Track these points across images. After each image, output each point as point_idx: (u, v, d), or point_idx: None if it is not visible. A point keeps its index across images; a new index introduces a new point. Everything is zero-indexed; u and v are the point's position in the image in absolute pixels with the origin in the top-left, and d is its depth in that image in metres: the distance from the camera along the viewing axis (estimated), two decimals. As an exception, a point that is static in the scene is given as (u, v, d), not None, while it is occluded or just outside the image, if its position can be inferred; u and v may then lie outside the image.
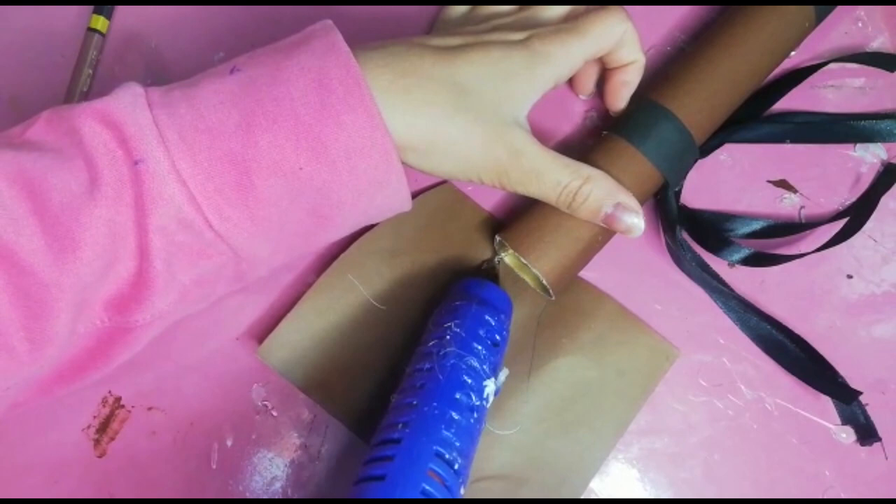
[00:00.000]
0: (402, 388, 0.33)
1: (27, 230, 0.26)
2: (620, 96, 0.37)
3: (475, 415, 0.32)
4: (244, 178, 0.27)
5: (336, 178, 0.28)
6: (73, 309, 0.27)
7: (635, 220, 0.33)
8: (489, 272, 0.38)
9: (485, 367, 0.33)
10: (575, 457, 0.37)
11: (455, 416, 0.31)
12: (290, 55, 0.28)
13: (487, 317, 0.34)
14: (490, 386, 0.33)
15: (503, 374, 0.35)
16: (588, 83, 0.39)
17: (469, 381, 0.32)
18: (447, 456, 0.30)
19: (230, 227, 0.28)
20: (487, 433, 0.37)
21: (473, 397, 0.32)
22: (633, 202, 0.33)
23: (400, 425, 0.31)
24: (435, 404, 0.31)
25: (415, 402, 0.31)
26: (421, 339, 0.35)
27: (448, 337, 0.33)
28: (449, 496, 0.30)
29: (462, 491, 0.31)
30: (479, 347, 0.33)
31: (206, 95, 0.28)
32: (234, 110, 0.27)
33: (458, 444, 0.31)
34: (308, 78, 0.28)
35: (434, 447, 0.30)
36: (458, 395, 0.31)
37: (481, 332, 0.33)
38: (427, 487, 0.29)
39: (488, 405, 0.33)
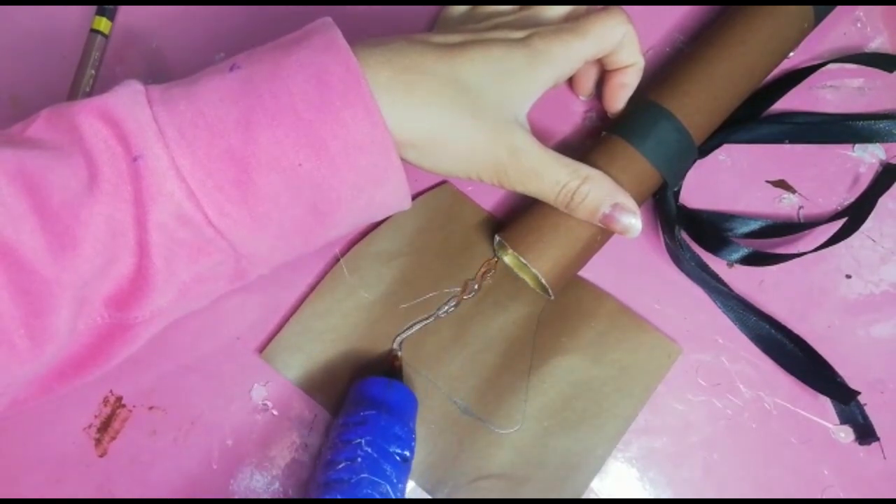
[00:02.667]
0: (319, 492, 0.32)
1: (27, 227, 0.26)
2: (619, 98, 0.37)
3: None
4: (243, 175, 0.27)
5: (335, 175, 0.28)
6: (73, 305, 0.27)
7: (632, 221, 0.33)
8: (391, 363, 0.38)
9: (399, 486, 0.33)
10: (576, 456, 0.37)
11: None
12: (290, 52, 0.29)
13: (397, 429, 0.33)
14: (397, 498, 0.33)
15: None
16: (587, 84, 0.39)
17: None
18: None
19: (230, 224, 0.28)
20: (488, 432, 0.37)
21: None
22: (630, 203, 0.33)
23: None
24: None
25: None
26: (328, 455, 0.34)
27: (359, 459, 0.32)
28: None
29: None
30: (390, 470, 0.33)
31: (206, 92, 0.28)
32: (233, 107, 0.27)
33: None
34: (307, 74, 0.28)
35: None
36: None
37: (393, 449, 0.33)
38: None
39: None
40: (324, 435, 0.37)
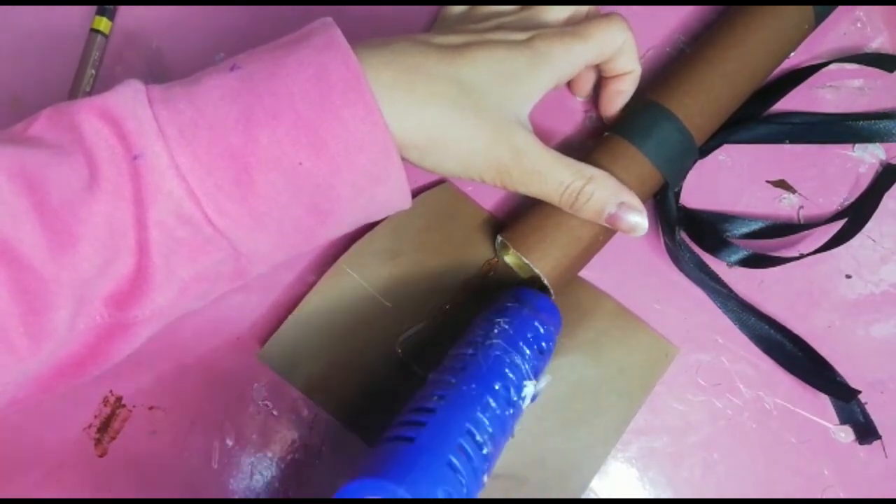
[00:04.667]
0: (442, 367, 0.33)
1: (27, 225, 0.26)
2: (615, 104, 0.37)
3: (511, 410, 0.32)
4: (243, 174, 0.27)
5: (335, 174, 0.28)
6: (73, 304, 0.27)
7: (639, 220, 0.33)
8: (542, 287, 0.38)
9: (527, 367, 0.32)
10: (575, 455, 0.37)
11: (492, 402, 0.31)
12: (290, 52, 0.29)
13: (537, 323, 0.34)
14: (530, 387, 0.32)
15: (545, 380, 0.34)
16: (585, 87, 0.39)
17: (511, 375, 0.32)
18: (478, 437, 0.30)
19: (229, 223, 0.28)
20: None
21: (512, 392, 0.32)
22: (636, 202, 0.33)
23: (435, 397, 0.30)
24: (474, 386, 0.31)
25: (453, 381, 0.31)
26: (467, 332, 0.34)
27: (496, 331, 0.33)
28: (473, 476, 0.29)
29: (485, 479, 0.30)
30: (525, 348, 0.33)
31: (206, 91, 0.28)
32: (233, 106, 0.28)
33: (490, 429, 0.30)
34: (307, 73, 0.28)
35: (467, 424, 0.30)
36: (497, 386, 0.31)
37: (529, 335, 0.33)
38: (453, 459, 0.28)
39: (524, 406, 0.33)
40: (324, 433, 0.37)
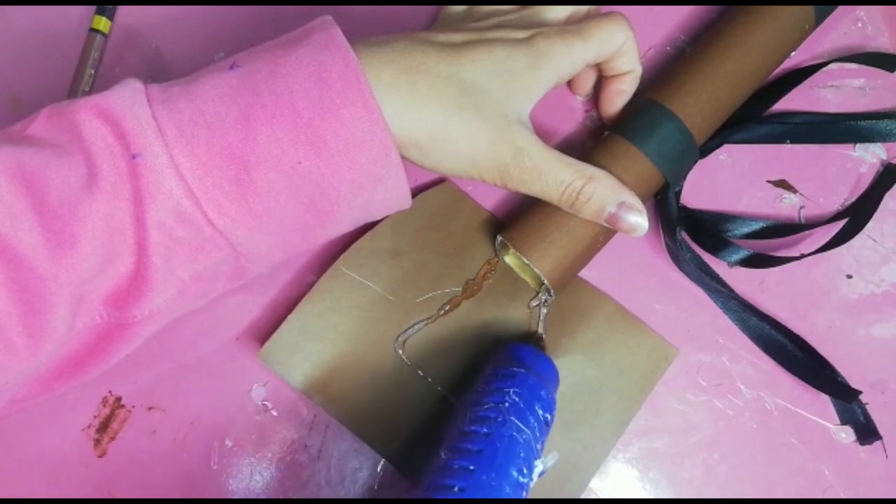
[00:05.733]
0: (457, 448, 0.32)
1: (26, 225, 0.26)
2: (615, 104, 0.37)
3: (523, 492, 0.31)
4: (243, 173, 0.27)
5: (335, 173, 0.28)
6: (72, 304, 0.27)
7: (639, 220, 0.33)
8: (538, 342, 0.38)
9: (537, 445, 0.32)
10: (575, 456, 0.37)
11: (508, 489, 0.30)
12: (290, 50, 0.29)
13: (543, 392, 0.33)
14: (539, 467, 0.32)
15: (552, 458, 0.34)
16: (586, 86, 0.39)
17: (524, 455, 0.31)
18: None
19: (229, 222, 0.28)
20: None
21: (525, 473, 0.31)
22: (636, 201, 0.33)
23: (456, 488, 0.30)
24: (493, 475, 0.30)
25: (472, 468, 0.31)
26: (474, 397, 0.34)
27: (507, 404, 0.32)
28: None
29: None
30: (534, 422, 0.32)
31: (206, 91, 0.28)
32: (233, 105, 0.27)
33: None
34: (307, 72, 0.28)
35: None
36: (514, 472, 0.31)
37: (537, 407, 0.33)
38: None
39: (532, 485, 0.32)
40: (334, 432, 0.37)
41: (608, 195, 0.33)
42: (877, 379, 0.38)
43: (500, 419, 0.32)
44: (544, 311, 0.38)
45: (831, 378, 0.38)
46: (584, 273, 0.38)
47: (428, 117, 0.30)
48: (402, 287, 0.38)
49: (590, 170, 0.33)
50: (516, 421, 0.32)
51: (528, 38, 0.32)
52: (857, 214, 0.39)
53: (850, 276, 0.39)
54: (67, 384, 0.30)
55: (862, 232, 0.38)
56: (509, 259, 0.38)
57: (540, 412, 0.33)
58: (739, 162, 0.40)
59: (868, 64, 0.40)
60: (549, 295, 0.36)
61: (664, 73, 0.37)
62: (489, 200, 0.39)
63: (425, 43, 0.31)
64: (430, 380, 0.37)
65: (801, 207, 0.40)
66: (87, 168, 0.27)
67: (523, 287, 0.38)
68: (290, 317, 0.37)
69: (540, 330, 0.38)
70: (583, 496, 0.37)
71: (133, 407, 0.37)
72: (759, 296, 0.39)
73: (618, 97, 0.37)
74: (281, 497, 0.37)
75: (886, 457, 0.38)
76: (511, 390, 0.33)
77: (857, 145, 0.40)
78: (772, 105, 0.40)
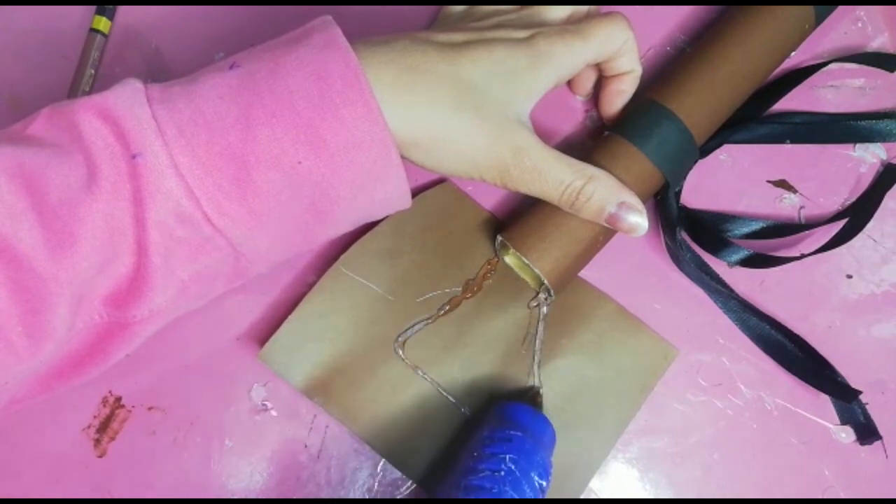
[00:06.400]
0: None
1: (25, 224, 0.26)
2: (615, 104, 0.37)
3: None
4: (242, 173, 0.27)
5: (335, 173, 0.28)
6: (72, 303, 0.27)
7: (639, 220, 0.33)
8: (534, 399, 0.37)
9: None
10: (575, 456, 0.37)
11: None
12: (290, 50, 0.29)
13: (539, 457, 0.33)
14: None
15: None
16: (586, 86, 0.39)
17: None
18: None
19: (228, 222, 0.28)
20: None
21: None
22: (636, 202, 0.33)
23: None
24: None
25: None
26: (469, 463, 0.33)
27: (503, 472, 0.32)
28: None
29: None
30: (529, 492, 0.32)
31: (206, 90, 0.28)
32: (232, 105, 0.27)
33: None
34: (307, 72, 0.28)
35: None
36: None
37: (533, 474, 0.32)
38: None
39: None
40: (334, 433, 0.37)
41: (608, 195, 0.33)
42: (877, 379, 0.38)
43: (494, 490, 0.31)
44: (544, 311, 0.38)
45: (831, 378, 0.38)
46: (584, 273, 0.38)
47: (428, 117, 0.30)
48: (402, 287, 0.38)
49: (590, 170, 0.33)
50: (512, 493, 0.31)
51: (529, 38, 0.32)
52: (857, 214, 0.39)
53: (850, 276, 0.39)
54: (67, 384, 0.30)
55: (862, 232, 0.38)
56: (509, 259, 0.38)
57: (536, 479, 0.32)
58: (739, 162, 0.40)
59: (868, 64, 0.40)
60: (549, 295, 0.36)
61: (664, 73, 0.37)
62: (489, 200, 0.39)
63: (425, 43, 0.31)
64: (429, 380, 0.37)
65: (801, 207, 0.40)
66: (86, 168, 0.27)
67: (523, 287, 0.38)
68: (290, 317, 0.37)
69: (538, 335, 0.37)
70: (583, 496, 0.37)
71: (133, 407, 0.37)
72: (759, 296, 0.39)
73: (618, 97, 0.37)
74: (281, 497, 0.37)
75: (886, 457, 0.38)
76: (507, 457, 0.32)
77: (857, 145, 0.40)
78: (772, 105, 0.40)
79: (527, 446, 0.33)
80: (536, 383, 0.37)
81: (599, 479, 0.38)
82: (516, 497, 0.31)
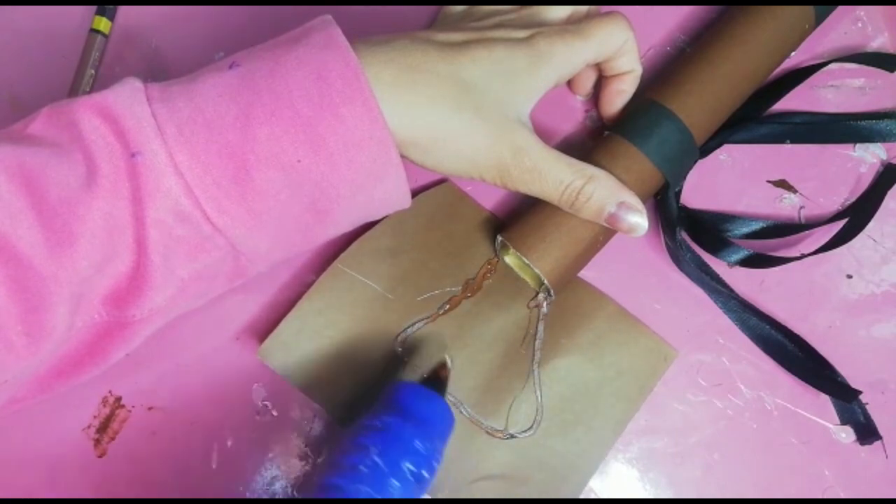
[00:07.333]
0: None
1: (25, 223, 0.26)
2: (615, 104, 0.37)
3: None
4: (242, 171, 0.27)
5: (334, 172, 0.28)
6: (71, 302, 0.27)
7: (639, 220, 0.33)
8: (438, 373, 0.36)
9: None
10: (574, 456, 0.37)
11: None
12: (289, 50, 0.29)
13: (417, 443, 0.30)
14: None
15: None
16: (586, 85, 0.39)
17: None
18: None
19: (228, 221, 0.28)
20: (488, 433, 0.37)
21: None
22: (636, 202, 0.33)
23: None
24: None
25: None
26: (332, 457, 0.31)
27: (364, 469, 0.29)
28: None
29: None
30: (397, 486, 0.29)
31: (205, 89, 0.28)
32: (232, 104, 0.27)
33: None
34: (306, 71, 0.28)
35: None
36: None
37: (405, 465, 0.30)
38: None
39: None
40: (334, 430, 0.37)
41: (608, 195, 0.33)
42: (877, 379, 0.38)
43: (350, 489, 0.29)
44: (544, 310, 0.38)
45: (831, 378, 0.38)
46: (584, 273, 0.38)
47: (428, 117, 0.30)
48: (402, 286, 0.38)
49: (590, 170, 0.33)
50: (370, 491, 0.29)
51: (529, 38, 0.32)
52: (857, 214, 0.39)
53: (850, 276, 0.39)
54: (67, 383, 0.30)
55: (862, 232, 0.38)
56: (509, 259, 0.38)
57: (410, 470, 0.30)
58: (739, 162, 0.40)
59: (868, 64, 0.40)
60: (549, 295, 0.36)
61: (664, 73, 0.37)
62: (489, 200, 0.39)
63: (425, 42, 0.31)
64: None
65: (801, 207, 0.40)
66: (86, 167, 0.27)
67: (523, 287, 0.38)
68: (290, 314, 0.37)
69: (538, 335, 0.37)
70: (582, 496, 0.37)
71: (133, 407, 0.37)
72: (759, 296, 0.39)
73: (618, 97, 0.37)
74: (281, 497, 0.37)
75: (886, 457, 0.38)
76: (374, 448, 0.30)
77: (857, 145, 0.40)
78: (772, 105, 0.40)
79: (402, 433, 0.30)
80: (536, 383, 0.37)
81: (599, 479, 0.38)
82: (375, 496, 0.29)
